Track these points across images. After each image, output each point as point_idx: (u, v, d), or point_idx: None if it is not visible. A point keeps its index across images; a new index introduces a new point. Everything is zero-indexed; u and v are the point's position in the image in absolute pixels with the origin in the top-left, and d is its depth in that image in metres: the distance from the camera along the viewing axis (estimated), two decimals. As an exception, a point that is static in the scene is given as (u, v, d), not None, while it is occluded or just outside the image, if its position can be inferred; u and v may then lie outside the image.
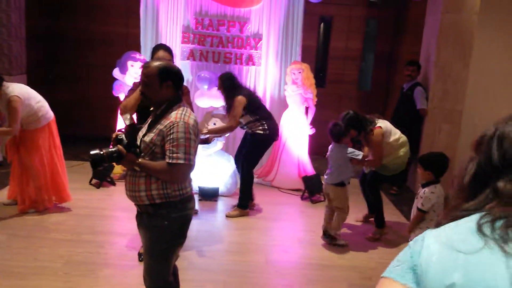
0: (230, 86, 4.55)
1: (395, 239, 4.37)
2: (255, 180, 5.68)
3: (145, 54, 5.63)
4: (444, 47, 5.63)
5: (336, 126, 4.04)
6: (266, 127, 4.55)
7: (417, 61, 5.91)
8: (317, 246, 4.13)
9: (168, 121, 2.27)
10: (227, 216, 4.65)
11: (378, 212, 4.44)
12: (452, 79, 5.70)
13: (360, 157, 4.09)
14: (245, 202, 4.71)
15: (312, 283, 3.46)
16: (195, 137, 2.31)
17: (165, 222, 2.33)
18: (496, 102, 6.09)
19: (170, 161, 2.24)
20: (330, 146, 4.15)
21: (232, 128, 4.58)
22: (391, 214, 5.09)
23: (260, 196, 5.21)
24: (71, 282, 3.18)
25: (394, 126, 6.30)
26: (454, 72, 5.69)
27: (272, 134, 4.65)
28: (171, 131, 2.24)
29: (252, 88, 5.74)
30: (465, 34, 5.61)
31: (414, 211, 3.37)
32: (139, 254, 3.53)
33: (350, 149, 4.07)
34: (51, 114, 4.29)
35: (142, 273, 2.52)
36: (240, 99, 4.46)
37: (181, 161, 2.24)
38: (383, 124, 4.26)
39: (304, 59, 6.01)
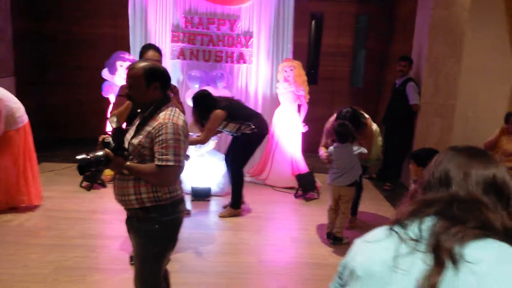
0: (203, 105, 4.34)
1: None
2: (249, 179, 5.66)
3: (135, 54, 5.56)
4: (435, 42, 5.61)
5: (345, 127, 3.94)
6: (253, 126, 4.48)
7: (408, 56, 5.89)
8: (310, 244, 4.10)
9: (157, 123, 2.21)
10: (220, 217, 4.61)
11: (356, 200, 4.47)
12: (444, 74, 5.69)
13: (366, 151, 4.06)
14: (237, 202, 4.67)
15: (305, 283, 3.42)
16: (184, 138, 2.25)
17: (156, 226, 2.27)
18: (488, 96, 6.09)
19: (159, 163, 2.18)
20: (332, 147, 4.05)
21: (202, 142, 4.42)
22: (385, 210, 5.07)
23: (253, 195, 5.17)
24: (61, 288, 3.13)
25: (388, 122, 6.31)
26: (445, 67, 5.67)
27: (261, 131, 4.58)
28: (160, 133, 2.18)
29: (238, 87, 5.71)
30: (456, 29, 5.59)
31: None
32: (131, 258, 3.48)
33: (355, 147, 4.03)
34: (26, 117, 4.36)
35: (132, 277, 2.47)
36: (218, 113, 4.29)
37: (171, 163, 2.18)
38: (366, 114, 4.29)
39: (295, 57, 5.97)
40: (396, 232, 1.05)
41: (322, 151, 4.17)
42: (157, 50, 3.59)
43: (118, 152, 2.25)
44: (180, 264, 3.54)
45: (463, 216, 0.99)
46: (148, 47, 3.63)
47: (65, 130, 7.33)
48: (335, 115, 4.20)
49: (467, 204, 1.01)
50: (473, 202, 1.01)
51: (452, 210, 1.01)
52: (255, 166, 5.79)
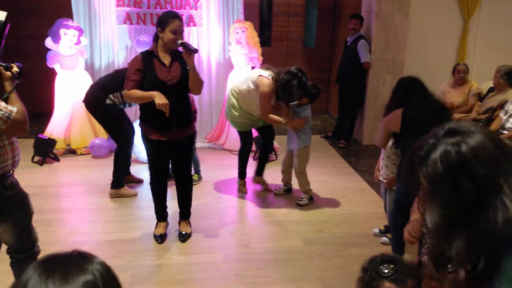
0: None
1: (343, 191, 4.50)
2: (207, 144, 5.65)
3: (78, 21, 5.30)
4: (384, -2, 5.67)
5: None
6: None
7: (359, 14, 5.92)
8: (270, 204, 4.19)
9: None
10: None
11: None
12: (393, 30, 5.79)
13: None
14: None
15: (268, 240, 3.52)
16: None
17: None
18: (436, 50, 6.26)
19: None
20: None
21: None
22: (340, 166, 5.23)
23: (212, 160, 5.18)
24: (19, 264, 3.05)
25: (340, 80, 6.35)
26: (395, 23, 5.76)
27: None
28: None
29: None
30: (404, -16, 5.65)
31: (382, 163, 3.41)
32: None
33: None
34: None
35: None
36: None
37: None
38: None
39: (247, 18, 5.87)
40: None
41: None
42: (181, 20, 3.21)
43: None
44: (141, 232, 3.55)
45: None
46: (173, 15, 3.19)
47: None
48: None
49: None
50: None
51: None
52: (213, 131, 5.77)
